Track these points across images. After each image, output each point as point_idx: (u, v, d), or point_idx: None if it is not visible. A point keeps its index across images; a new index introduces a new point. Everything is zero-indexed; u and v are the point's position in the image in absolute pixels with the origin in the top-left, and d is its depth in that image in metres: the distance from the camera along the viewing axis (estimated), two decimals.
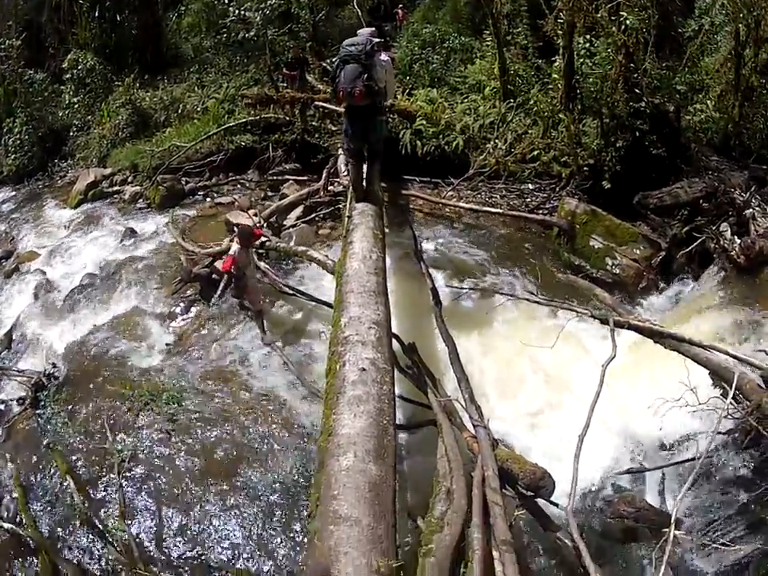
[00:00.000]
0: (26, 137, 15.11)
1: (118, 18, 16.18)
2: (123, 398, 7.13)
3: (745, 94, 9.54)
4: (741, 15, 9.24)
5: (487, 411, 5.88)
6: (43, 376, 7.57)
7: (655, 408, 5.31)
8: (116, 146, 14.01)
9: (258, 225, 8.61)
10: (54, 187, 14.38)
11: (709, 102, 10.14)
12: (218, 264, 7.74)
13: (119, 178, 13.14)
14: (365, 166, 7.29)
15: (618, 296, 8.01)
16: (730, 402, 5.21)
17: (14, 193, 14.66)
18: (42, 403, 7.31)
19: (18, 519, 6.18)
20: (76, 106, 15.42)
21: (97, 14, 15.98)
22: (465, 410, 5.83)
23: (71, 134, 15.44)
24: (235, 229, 8.34)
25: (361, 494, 3.77)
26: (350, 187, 7.68)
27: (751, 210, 8.26)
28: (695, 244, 8.17)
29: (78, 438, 6.80)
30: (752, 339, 6.69)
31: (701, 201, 8.48)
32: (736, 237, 7.91)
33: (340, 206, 9.25)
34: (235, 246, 7.27)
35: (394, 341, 5.80)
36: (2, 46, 15.31)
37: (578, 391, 6.51)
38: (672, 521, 4.09)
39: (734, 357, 5.58)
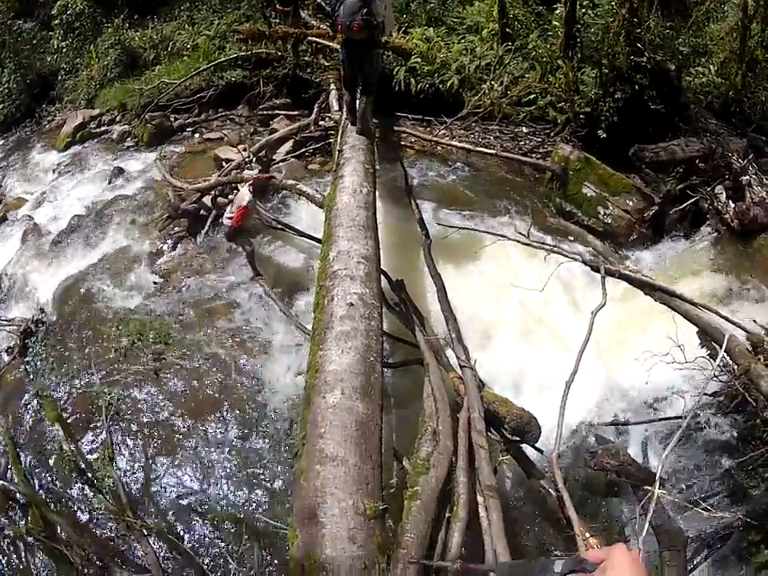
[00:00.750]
0: (14, 85, 14.54)
1: None
2: (110, 339, 6.92)
3: (749, 65, 9.20)
4: None
5: (473, 352, 5.62)
6: (31, 323, 7.37)
7: (642, 361, 5.08)
8: (104, 86, 13.41)
9: (247, 159, 8.18)
10: (41, 132, 13.87)
11: (711, 66, 9.78)
12: (226, 219, 7.22)
13: (107, 118, 12.58)
14: (358, 95, 7.29)
15: (609, 246, 7.73)
16: (718, 365, 4.92)
17: (1, 142, 14.13)
18: (30, 350, 7.12)
19: (8, 473, 5.98)
20: (64, 50, 14.75)
21: None
22: (451, 348, 5.59)
23: (59, 78, 14.79)
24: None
25: (348, 432, 3.60)
26: (342, 116, 7.53)
27: (748, 177, 7.92)
28: (689, 202, 7.88)
29: (66, 384, 6.65)
30: (741, 305, 6.49)
31: (697, 160, 8.16)
32: (731, 201, 7.66)
33: (331, 140, 8.83)
34: (247, 196, 6.83)
35: (381, 277, 5.49)
36: None
37: (565, 336, 6.32)
38: (656, 479, 3.87)
39: (725, 318, 5.35)
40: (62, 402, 6.44)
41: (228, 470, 5.67)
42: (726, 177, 7.92)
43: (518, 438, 4.94)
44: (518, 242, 6.30)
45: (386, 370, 5.06)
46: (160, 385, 6.42)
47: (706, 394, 5.39)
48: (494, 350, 6.36)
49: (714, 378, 5.10)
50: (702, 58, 9.89)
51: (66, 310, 7.52)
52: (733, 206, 7.48)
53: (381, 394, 4.01)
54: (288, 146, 9.22)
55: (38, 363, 6.95)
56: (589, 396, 5.96)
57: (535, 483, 5.01)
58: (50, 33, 15.09)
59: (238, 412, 6.07)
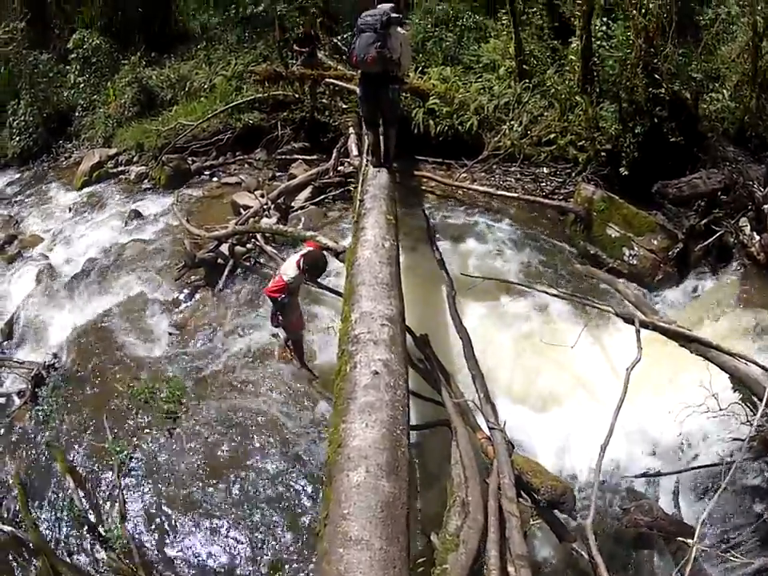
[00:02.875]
0: (31, 118, 14.54)
1: None
2: (122, 393, 6.73)
3: (762, 86, 8.89)
4: (758, 8, 8.60)
5: (501, 411, 5.43)
6: (42, 368, 7.18)
7: (675, 413, 4.99)
8: (121, 125, 13.41)
9: (264, 206, 8.08)
10: (58, 168, 13.88)
11: (725, 91, 9.47)
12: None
13: (124, 158, 12.60)
14: (381, 134, 7.27)
15: (635, 288, 7.41)
16: (761, 416, 4.69)
17: (18, 175, 14.13)
18: (42, 396, 6.96)
19: (18, 519, 5.82)
20: (81, 85, 14.83)
21: None
22: (479, 409, 5.35)
23: (76, 114, 14.83)
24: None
25: (373, 513, 3.35)
26: (362, 161, 7.44)
27: None
28: (713, 237, 7.63)
29: (78, 435, 6.43)
30: None
31: (719, 193, 7.94)
32: (755, 233, 7.43)
33: (350, 187, 8.66)
34: (291, 271, 5.91)
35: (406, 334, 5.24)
36: (7, 29, 14.60)
37: (596, 391, 6.13)
38: (696, 535, 3.69)
39: (765, 368, 5.04)
40: (72, 454, 6.27)
41: (243, 539, 5.40)
42: (749, 207, 7.70)
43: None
44: (546, 292, 6.13)
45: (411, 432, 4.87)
46: (173, 444, 6.17)
47: (739, 440, 5.23)
48: (522, 408, 6.14)
49: (754, 429, 4.81)
50: (714, 83, 9.65)
51: (78, 357, 7.34)
52: (758, 238, 7.25)
53: (407, 469, 3.75)
54: (307, 192, 9.09)
55: (49, 411, 6.78)
56: (618, 446, 5.56)
57: (566, 546, 4.75)
58: (67, 67, 15.23)
59: (254, 477, 5.78)
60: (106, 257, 9.12)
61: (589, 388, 6.30)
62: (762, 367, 5.07)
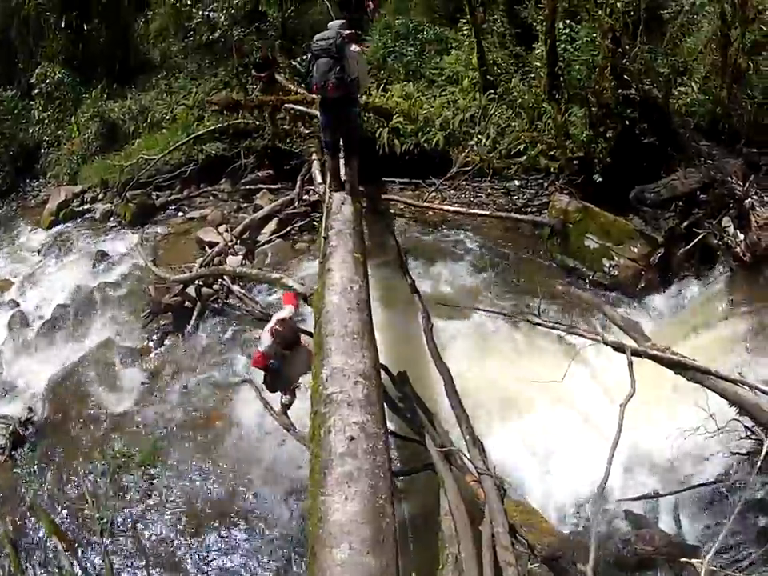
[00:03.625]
0: None
1: (86, 28, 15.09)
2: (99, 452, 6.59)
3: (733, 76, 8.58)
4: None
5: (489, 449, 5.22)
6: (19, 424, 7.06)
7: (673, 438, 4.92)
8: (86, 161, 13.08)
9: (230, 243, 7.73)
10: (26, 208, 13.64)
11: (693, 84, 9.23)
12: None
13: (90, 195, 12.24)
14: (341, 158, 7.20)
15: (616, 299, 7.32)
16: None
17: None
18: (21, 454, 6.88)
19: None
20: (46, 121, 14.52)
21: (63, 25, 14.90)
22: (467, 452, 5.08)
23: (42, 151, 14.51)
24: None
25: None
26: (326, 192, 7.11)
27: (750, 199, 7.41)
28: (696, 240, 7.36)
29: (59, 496, 6.35)
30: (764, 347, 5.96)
31: (698, 192, 7.67)
32: (739, 232, 7.16)
33: (316, 215, 8.41)
34: (266, 342, 5.34)
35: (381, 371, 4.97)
36: None
37: (589, 423, 5.86)
38: (711, 552, 3.38)
39: (765, 392, 4.73)
40: (55, 514, 6.12)
41: None
42: (731, 205, 7.42)
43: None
44: (529, 321, 5.75)
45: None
46: (153, 500, 6.06)
47: (739, 454, 5.17)
48: (510, 441, 5.83)
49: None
50: (682, 76, 9.38)
51: (54, 411, 7.23)
52: (742, 237, 6.99)
53: (395, 539, 3.47)
54: (273, 224, 8.78)
55: (29, 469, 6.63)
56: (614, 470, 5.41)
57: None
58: (31, 102, 14.94)
59: (235, 531, 5.67)
60: (76, 302, 8.88)
61: (581, 416, 6.02)
62: (759, 390, 4.74)
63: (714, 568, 4.07)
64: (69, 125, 14.08)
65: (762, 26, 8.33)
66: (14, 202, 14.06)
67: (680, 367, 5.09)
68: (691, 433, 4.91)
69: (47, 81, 14.41)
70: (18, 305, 9.42)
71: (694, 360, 5.07)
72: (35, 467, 6.65)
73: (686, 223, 7.53)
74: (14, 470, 6.69)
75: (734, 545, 4.84)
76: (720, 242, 7.23)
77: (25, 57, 16.00)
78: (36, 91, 14.58)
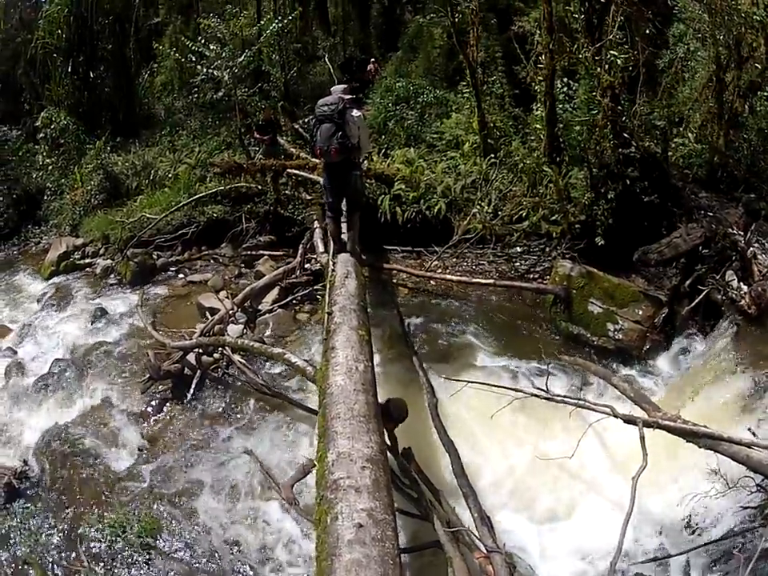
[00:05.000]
0: (1, 198, 14.41)
1: (91, 75, 15.37)
2: (95, 516, 6.20)
3: (729, 121, 8.71)
4: (719, 37, 8.39)
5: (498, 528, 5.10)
6: (14, 476, 6.72)
7: (684, 504, 4.91)
8: (88, 213, 13.09)
9: (231, 311, 7.57)
10: (27, 254, 13.60)
11: (690, 134, 9.32)
12: None
13: (91, 249, 12.17)
14: (343, 221, 7.29)
15: (622, 363, 7.19)
16: None
17: None
18: (14, 507, 6.52)
19: None
20: (50, 167, 14.69)
21: (70, 70, 15.18)
22: (475, 528, 4.93)
23: (45, 197, 14.60)
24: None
25: None
26: (329, 262, 6.98)
27: (752, 248, 7.36)
28: (700, 297, 7.28)
29: (53, 555, 5.97)
30: None
31: (700, 247, 7.67)
32: (742, 284, 7.04)
33: (318, 286, 8.27)
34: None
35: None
36: None
37: (600, 495, 5.71)
38: None
39: None
40: (50, 573, 5.80)
41: None
42: (734, 258, 7.38)
43: None
44: (537, 396, 5.58)
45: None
46: (151, 571, 5.70)
47: (750, 508, 5.05)
48: (521, 521, 5.64)
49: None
50: (678, 127, 9.51)
51: (49, 467, 6.91)
52: (747, 290, 6.83)
53: None
54: (274, 293, 8.62)
55: (24, 524, 6.30)
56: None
57: None
58: (36, 146, 15.11)
59: None
60: (73, 359, 8.68)
61: (592, 488, 5.85)
62: None
63: None
64: (72, 174, 14.20)
65: (756, 64, 8.41)
66: (16, 247, 14.10)
67: (691, 435, 4.99)
68: (703, 495, 4.90)
69: (52, 126, 14.62)
70: (15, 353, 9.25)
71: (704, 427, 4.96)
72: (30, 522, 6.33)
73: (689, 280, 7.51)
74: (7, 523, 6.36)
75: None
76: (724, 297, 7.12)
77: (31, 98, 16.35)
78: (41, 135, 14.79)
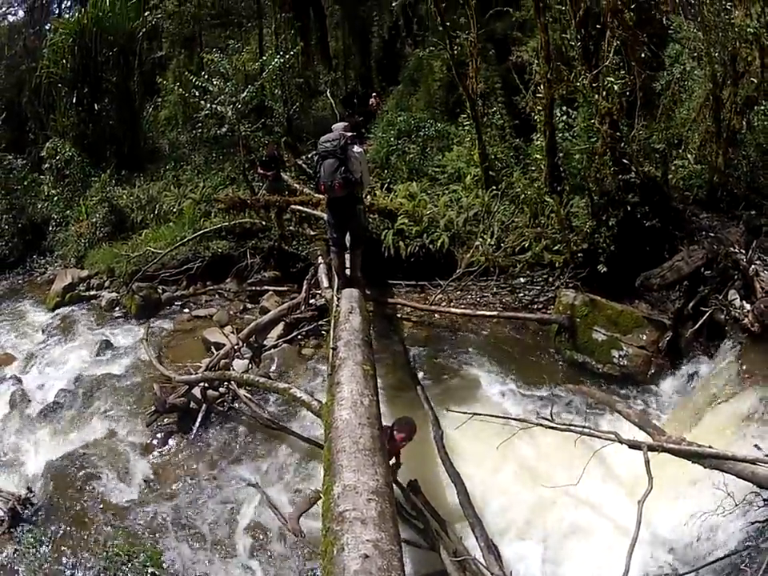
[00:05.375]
0: (6, 227, 14.57)
1: (96, 107, 15.55)
2: (99, 545, 6.14)
3: (727, 139, 8.72)
4: (715, 54, 8.45)
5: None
6: (18, 502, 6.68)
7: (691, 524, 4.90)
8: (93, 245, 13.20)
9: (236, 347, 7.61)
10: (32, 284, 13.71)
11: (689, 155, 9.35)
12: None
13: (96, 281, 12.25)
14: (347, 255, 7.42)
15: (628, 389, 7.20)
16: None
17: None
18: (18, 534, 6.44)
19: None
20: (55, 198, 14.86)
21: (75, 101, 15.38)
22: (482, 558, 4.94)
23: (50, 228, 14.76)
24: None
25: None
26: (333, 298, 7.02)
27: (753, 266, 7.37)
28: (703, 319, 7.28)
29: None
30: None
31: (702, 268, 7.67)
32: (745, 302, 7.05)
33: (323, 322, 8.29)
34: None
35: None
36: None
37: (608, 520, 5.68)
38: None
39: None
40: None
41: None
42: (736, 277, 7.39)
43: None
44: (542, 425, 5.58)
45: None
46: None
47: (758, 522, 4.95)
48: (529, 549, 5.61)
49: None
50: (678, 148, 9.53)
51: (53, 495, 6.85)
52: (750, 309, 6.82)
53: None
54: (279, 328, 8.63)
55: (28, 550, 6.22)
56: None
57: None
58: (41, 176, 15.31)
59: None
60: (78, 389, 8.67)
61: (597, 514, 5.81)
62: None
63: None
64: (77, 205, 14.34)
65: (752, 78, 8.42)
66: (21, 276, 14.24)
67: (696, 456, 5.01)
68: (710, 514, 4.87)
69: (57, 157, 14.82)
70: (20, 381, 9.24)
71: (709, 447, 4.98)
72: (33, 549, 6.25)
73: (692, 303, 7.51)
74: (11, 548, 6.29)
75: None
76: (728, 317, 7.13)
77: (36, 127, 16.65)
78: (46, 166, 14.99)
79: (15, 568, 6.11)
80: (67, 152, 14.78)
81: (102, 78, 15.55)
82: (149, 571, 5.89)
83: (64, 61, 15.26)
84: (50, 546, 6.27)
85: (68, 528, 6.44)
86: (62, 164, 14.77)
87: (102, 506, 6.64)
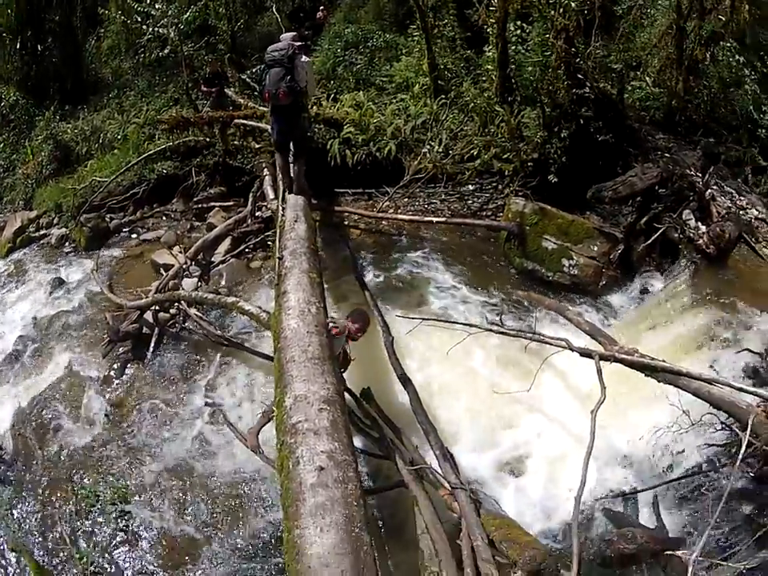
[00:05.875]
0: None
1: (39, 48, 14.71)
2: (70, 493, 6.28)
3: (689, 68, 8.68)
4: None
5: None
6: None
7: (648, 437, 5.00)
8: (40, 185, 12.68)
9: (184, 265, 7.52)
10: None
11: (648, 78, 9.32)
12: None
13: (45, 220, 11.80)
14: (291, 158, 7.50)
15: (578, 299, 7.23)
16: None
17: None
18: None
19: None
20: (1, 145, 14.24)
21: (18, 46, 14.54)
22: (438, 466, 5.01)
23: None
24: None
25: None
26: (278, 208, 6.96)
27: (710, 190, 7.48)
28: (656, 235, 7.35)
29: (38, 536, 6.07)
30: (736, 337, 5.92)
31: (656, 187, 7.63)
32: (701, 224, 7.13)
33: (270, 233, 8.13)
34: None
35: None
36: None
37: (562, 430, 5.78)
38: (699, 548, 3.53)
39: (740, 389, 4.66)
40: (38, 556, 5.85)
41: None
42: (691, 198, 7.43)
43: None
44: (492, 330, 5.62)
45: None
46: (128, 538, 5.80)
47: (715, 445, 5.14)
48: (484, 458, 5.73)
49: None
50: (636, 71, 9.46)
51: (22, 447, 6.95)
52: (705, 230, 6.95)
53: (375, 566, 3.39)
54: (226, 243, 8.49)
55: (4, 509, 6.32)
56: (592, 467, 5.35)
57: None
58: None
59: (215, 562, 5.44)
60: (35, 333, 8.60)
61: (552, 423, 5.93)
62: (732, 386, 4.69)
63: (702, 559, 4.07)
64: (23, 148, 13.73)
65: (720, 16, 8.36)
66: None
67: (650, 369, 5.04)
68: (666, 430, 4.93)
69: (2, 103, 14.22)
70: None
71: (663, 361, 5.02)
72: (11, 507, 6.35)
73: (645, 218, 7.51)
74: None
75: (719, 536, 4.83)
76: (681, 235, 7.20)
77: None
78: None
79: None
80: (11, 97, 14.24)
81: (45, 19, 14.73)
82: (117, 509, 6.03)
83: (9, 11, 14.42)
84: (24, 503, 6.36)
85: (39, 479, 6.55)
86: (6, 110, 14.24)
87: (68, 449, 6.72)
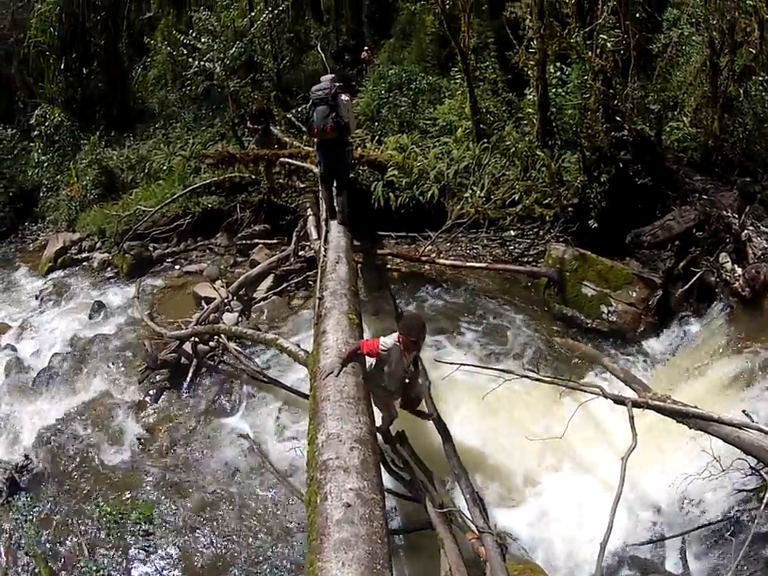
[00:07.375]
0: None
1: (84, 71, 15.39)
2: (95, 505, 6.29)
3: (724, 105, 8.64)
4: (713, 22, 8.31)
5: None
6: (15, 470, 6.82)
7: (677, 484, 4.87)
8: (84, 208, 13.09)
9: (226, 300, 7.63)
10: (25, 251, 13.71)
11: (684, 118, 9.27)
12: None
13: (87, 243, 12.23)
14: (335, 191, 7.84)
15: (616, 345, 7.20)
16: None
17: None
18: (16, 500, 6.59)
19: None
20: (45, 164, 14.71)
21: (63, 67, 15.20)
22: (467, 510, 4.95)
23: (41, 194, 14.66)
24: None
25: None
26: (321, 248, 7.08)
27: (746, 231, 7.36)
28: (693, 279, 7.27)
29: (55, 546, 6.03)
30: None
31: (694, 229, 7.61)
32: (737, 266, 7.04)
33: (312, 273, 8.24)
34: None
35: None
36: None
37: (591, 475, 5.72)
38: None
39: None
40: (53, 564, 5.86)
41: None
42: (727, 240, 7.36)
43: None
44: (528, 377, 5.61)
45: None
46: (150, 556, 5.79)
47: (744, 490, 5.04)
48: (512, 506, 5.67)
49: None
50: (673, 111, 9.42)
51: (50, 460, 6.98)
52: (741, 272, 6.86)
53: None
54: (269, 281, 8.66)
55: (26, 517, 6.38)
56: (618, 515, 5.28)
57: None
58: (31, 144, 15.13)
59: None
60: (72, 352, 8.73)
61: (583, 469, 5.88)
62: (762, 431, 4.61)
63: None
64: (67, 170, 14.17)
65: (750, 49, 8.34)
66: (13, 244, 14.20)
67: (682, 416, 5.00)
68: (696, 477, 4.85)
69: (47, 123, 14.64)
70: (15, 350, 9.31)
71: (695, 407, 4.98)
72: (32, 515, 6.42)
73: (683, 262, 7.49)
74: (11, 516, 6.44)
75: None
76: (718, 279, 7.14)
77: (25, 96, 16.40)
78: (36, 133, 14.79)
79: (15, 536, 6.21)
80: (56, 117, 14.64)
81: (90, 43, 15.41)
82: (141, 529, 6.04)
83: (51, 29, 15.06)
84: (47, 512, 6.40)
85: (64, 492, 6.60)
86: (51, 130, 14.63)
87: (96, 466, 6.78)
